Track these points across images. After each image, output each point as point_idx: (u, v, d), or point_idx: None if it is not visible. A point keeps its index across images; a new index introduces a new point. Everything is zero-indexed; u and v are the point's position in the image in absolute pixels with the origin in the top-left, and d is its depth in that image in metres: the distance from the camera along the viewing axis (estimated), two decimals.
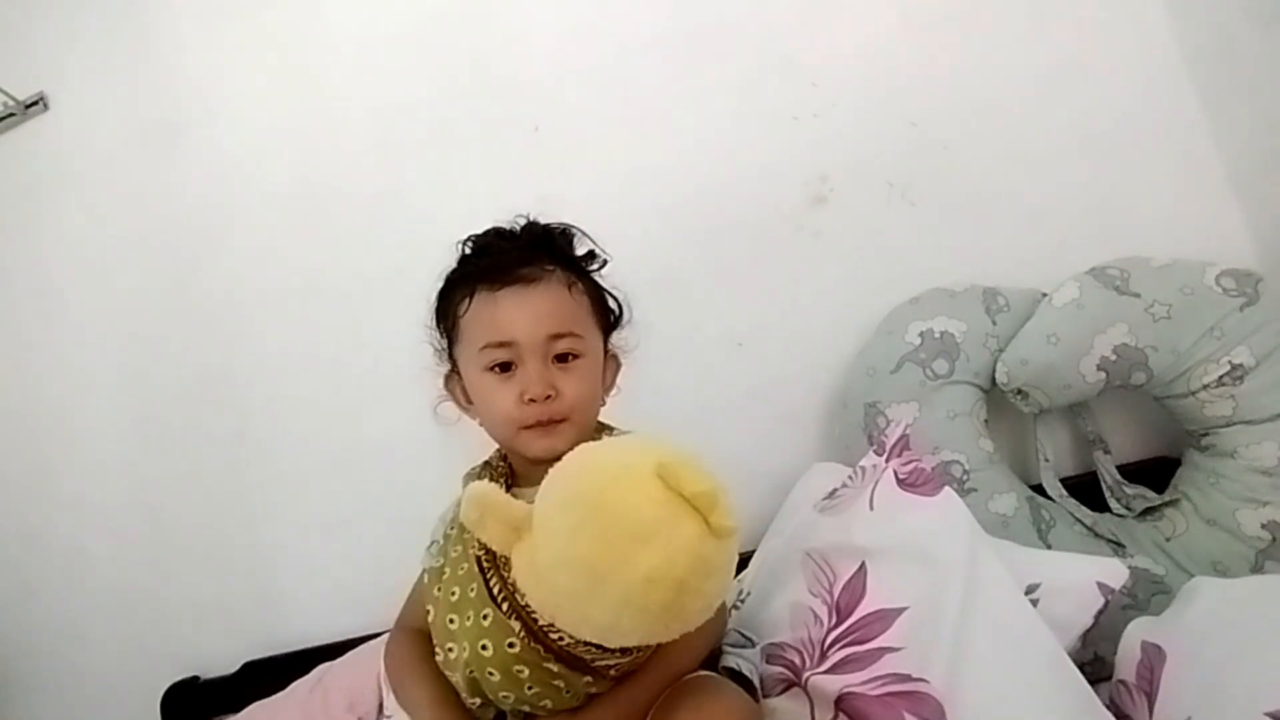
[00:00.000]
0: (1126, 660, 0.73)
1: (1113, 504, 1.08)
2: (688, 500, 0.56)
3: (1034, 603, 0.73)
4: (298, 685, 1.14)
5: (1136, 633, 0.74)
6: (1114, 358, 0.99)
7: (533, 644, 0.65)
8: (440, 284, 0.84)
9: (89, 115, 1.42)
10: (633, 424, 0.86)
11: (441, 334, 0.84)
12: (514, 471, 0.81)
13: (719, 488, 0.57)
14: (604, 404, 0.83)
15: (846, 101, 1.28)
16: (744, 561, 0.94)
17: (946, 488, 0.77)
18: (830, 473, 1.02)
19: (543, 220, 0.84)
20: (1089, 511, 1.05)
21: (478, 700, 0.70)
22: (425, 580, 0.78)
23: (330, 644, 1.26)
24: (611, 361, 0.85)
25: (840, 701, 0.67)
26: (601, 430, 0.84)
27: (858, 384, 1.11)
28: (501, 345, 0.74)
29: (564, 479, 0.62)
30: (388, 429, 1.32)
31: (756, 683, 0.71)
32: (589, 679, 0.67)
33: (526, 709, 0.69)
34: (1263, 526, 0.95)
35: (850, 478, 0.86)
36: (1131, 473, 1.11)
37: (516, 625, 0.65)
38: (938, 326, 1.08)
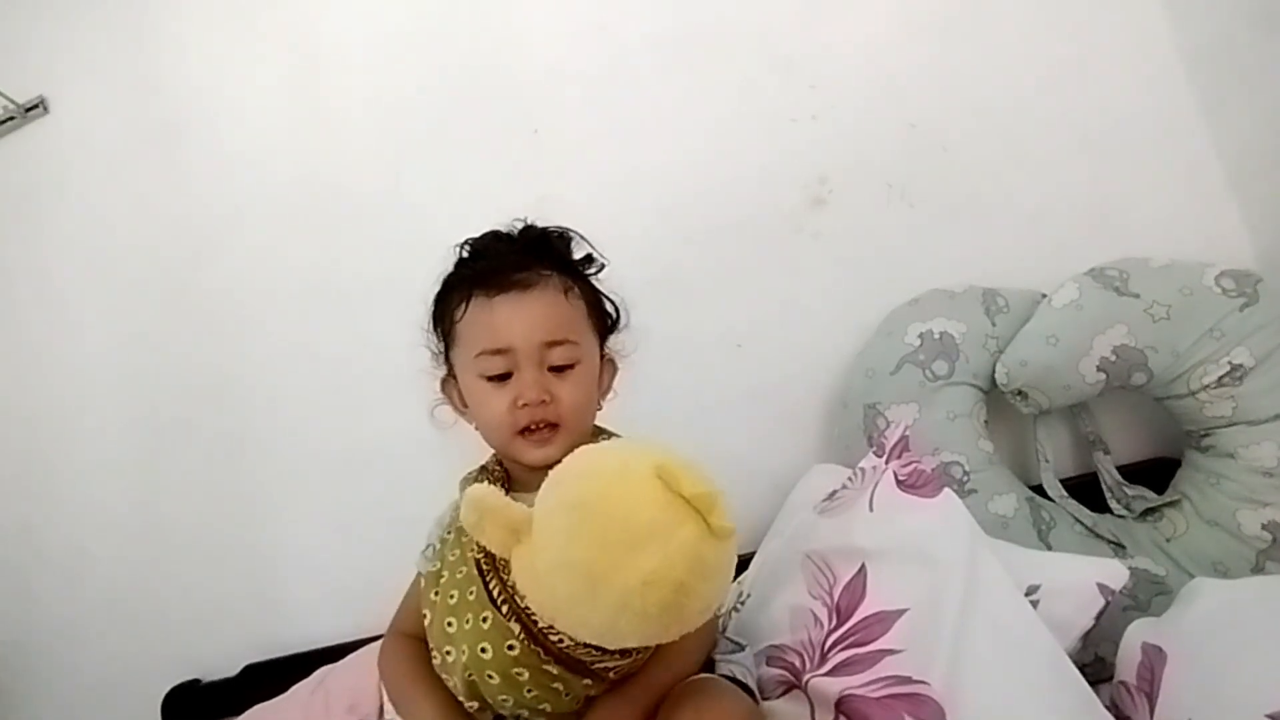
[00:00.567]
0: (1127, 661, 0.73)
1: (1113, 505, 1.08)
2: (687, 501, 0.56)
3: (1034, 604, 0.73)
4: (299, 687, 1.13)
5: (1137, 634, 0.74)
6: (1114, 358, 0.99)
7: (532, 646, 0.65)
8: (437, 287, 0.83)
9: (89, 118, 1.42)
10: (633, 425, 0.86)
11: (438, 337, 0.84)
12: (510, 476, 0.81)
13: (717, 489, 0.57)
14: (600, 408, 0.83)
15: (845, 103, 1.28)
16: (744, 563, 0.94)
17: (946, 489, 0.77)
18: (830, 474, 1.02)
19: (541, 223, 0.83)
20: (1089, 512, 1.05)
21: (476, 704, 0.70)
22: (421, 584, 0.78)
23: (331, 646, 1.26)
24: (608, 366, 0.85)
25: (840, 704, 0.67)
26: (598, 435, 0.84)
27: (857, 385, 1.11)
28: (497, 352, 0.74)
29: (563, 482, 0.62)
30: (388, 429, 1.32)
31: (754, 686, 0.71)
32: (588, 681, 0.67)
33: (525, 713, 0.69)
34: (1263, 527, 0.95)
35: (850, 479, 0.86)
36: (1131, 473, 1.11)
37: (516, 628, 0.65)
38: (937, 327, 1.08)
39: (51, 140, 1.43)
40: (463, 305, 0.77)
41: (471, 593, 0.68)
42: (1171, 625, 0.74)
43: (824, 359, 1.24)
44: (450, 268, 0.83)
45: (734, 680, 0.70)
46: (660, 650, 0.68)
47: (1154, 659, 0.70)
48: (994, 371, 1.07)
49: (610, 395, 0.85)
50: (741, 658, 0.73)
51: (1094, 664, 0.86)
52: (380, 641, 1.06)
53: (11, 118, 1.40)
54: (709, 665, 0.74)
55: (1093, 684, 0.70)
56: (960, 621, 0.65)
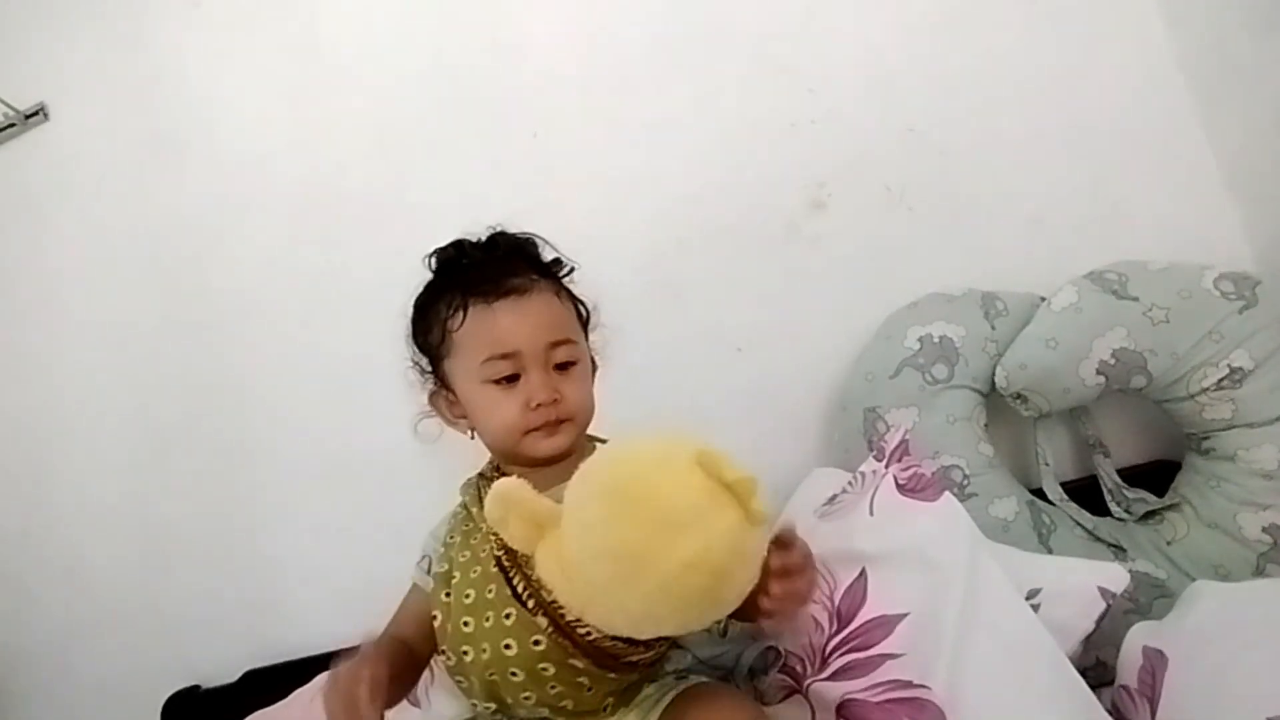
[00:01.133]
0: (1128, 665, 0.73)
1: (1113, 508, 1.08)
2: (727, 487, 0.57)
3: (1035, 608, 0.73)
4: (299, 694, 1.13)
5: (1138, 638, 0.74)
6: (1113, 361, 0.99)
7: (560, 640, 0.65)
8: (419, 298, 0.84)
9: (89, 125, 1.43)
10: (633, 430, 0.86)
11: (423, 350, 0.84)
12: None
13: (755, 476, 0.58)
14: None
15: (844, 107, 1.28)
16: None
17: (946, 493, 0.77)
18: (830, 478, 1.02)
19: (508, 230, 0.84)
20: (1090, 515, 1.05)
21: (493, 705, 0.70)
22: (425, 589, 0.78)
23: (332, 651, 1.24)
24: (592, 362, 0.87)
25: (842, 709, 0.67)
26: (590, 440, 0.84)
27: (857, 389, 1.11)
28: (504, 357, 0.74)
29: (596, 472, 0.62)
30: (387, 435, 1.30)
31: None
32: (614, 675, 0.67)
33: (546, 712, 0.69)
34: (1264, 530, 0.95)
35: (850, 483, 0.86)
36: (1131, 476, 1.11)
37: (544, 622, 0.65)
38: (936, 331, 1.08)
39: (52, 147, 1.43)
40: (459, 314, 0.77)
41: (491, 590, 0.68)
42: (1172, 629, 0.74)
43: (823, 363, 1.24)
44: (429, 279, 0.84)
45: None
46: None
47: (1155, 663, 0.70)
48: (993, 375, 1.07)
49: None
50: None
51: (1095, 668, 0.86)
52: None
53: (12, 124, 1.41)
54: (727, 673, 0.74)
55: (1094, 688, 0.70)
56: (961, 625, 0.65)
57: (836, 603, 0.72)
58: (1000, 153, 1.23)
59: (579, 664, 0.65)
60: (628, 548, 0.57)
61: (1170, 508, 1.02)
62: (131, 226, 1.41)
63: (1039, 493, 1.09)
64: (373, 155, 1.37)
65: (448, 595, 0.73)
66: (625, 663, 0.66)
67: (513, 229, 0.84)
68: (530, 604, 0.65)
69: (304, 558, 1.34)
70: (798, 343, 1.26)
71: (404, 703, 0.91)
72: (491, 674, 0.66)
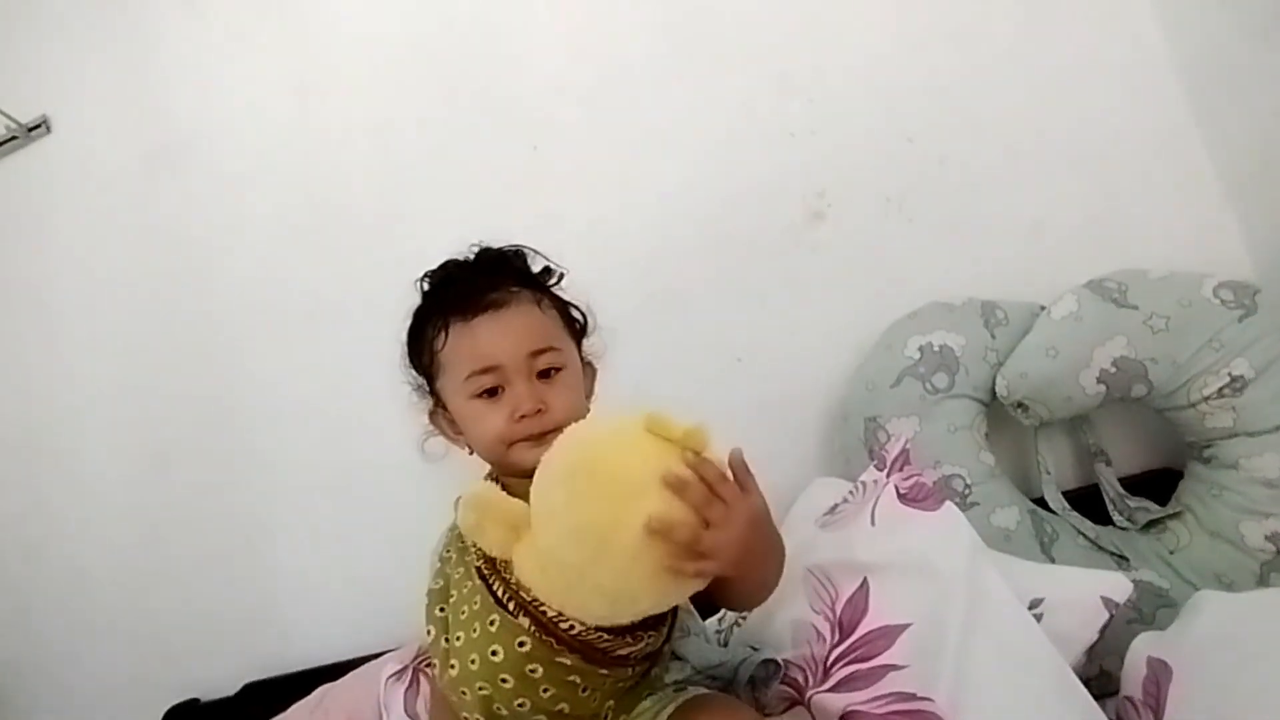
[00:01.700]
0: (1132, 676, 0.72)
1: (1115, 517, 1.07)
2: (678, 443, 0.59)
3: (1038, 618, 0.72)
4: (298, 707, 1.13)
5: (1142, 648, 0.73)
6: (1114, 370, 0.99)
7: (544, 637, 0.64)
8: (409, 323, 0.85)
9: (91, 138, 1.44)
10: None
11: (419, 372, 0.86)
12: (504, 488, 0.81)
13: (703, 426, 0.61)
14: (588, 411, 0.83)
15: (843, 118, 1.28)
16: None
17: (948, 502, 0.76)
18: (831, 488, 1.02)
19: (495, 245, 0.85)
20: (1092, 524, 1.05)
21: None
22: (428, 604, 0.77)
23: (331, 664, 1.25)
24: (588, 370, 0.87)
25: None
26: None
27: (857, 398, 1.11)
28: (486, 371, 0.75)
29: (554, 460, 0.63)
30: (385, 448, 1.31)
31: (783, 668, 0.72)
32: (605, 671, 0.66)
33: (543, 718, 0.68)
34: (1266, 539, 0.95)
35: (851, 493, 0.85)
36: (1133, 485, 1.10)
37: (526, 622, 0.65)
38: (937, 340, 1.08)
39: (54, 160, 1.44)
40: (441, 334, 0.79)
41: (476, 601, 0.68)
42: (1176, 639, 0.74)
43: (824, 372, 1.24)
44: (418, 303, 0.85)
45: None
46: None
47: (1159, 674, 0.70)
48: (994, 384, 1.07)
49: (594, 398, 0.86)
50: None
51: (1099, 678, 0.85)
52: (385, 656, 1.06)
53: (14, 137, 1.42)
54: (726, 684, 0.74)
55: (1098, 698, 0.69)
56: (963, 636, 0.65)
57: (838, 613, 0.72)
58: (999, 162, 1.23)
59: (567, 661, 0.65)
60: (593, 522, 0.58)
61: (1172, 516, 1.02)
62: (132, 239, 1.42)
63: (1040, 502, 1.09)
64: (373, 169, 1.37)
65: (442, 610, 0.73)
66: (615, 657, 0.66)
67: (504, 242, 0.85)
68: (511, 607, 0.66)
69: (304, 571, 1.34)
70: (798, 352, 1.26)
71: (405, 718, 0.91)
72: (482, 687, 0.66)
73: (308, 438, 1.35)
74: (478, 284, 0.78)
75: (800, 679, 0.70)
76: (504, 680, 0.65)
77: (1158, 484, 1.10)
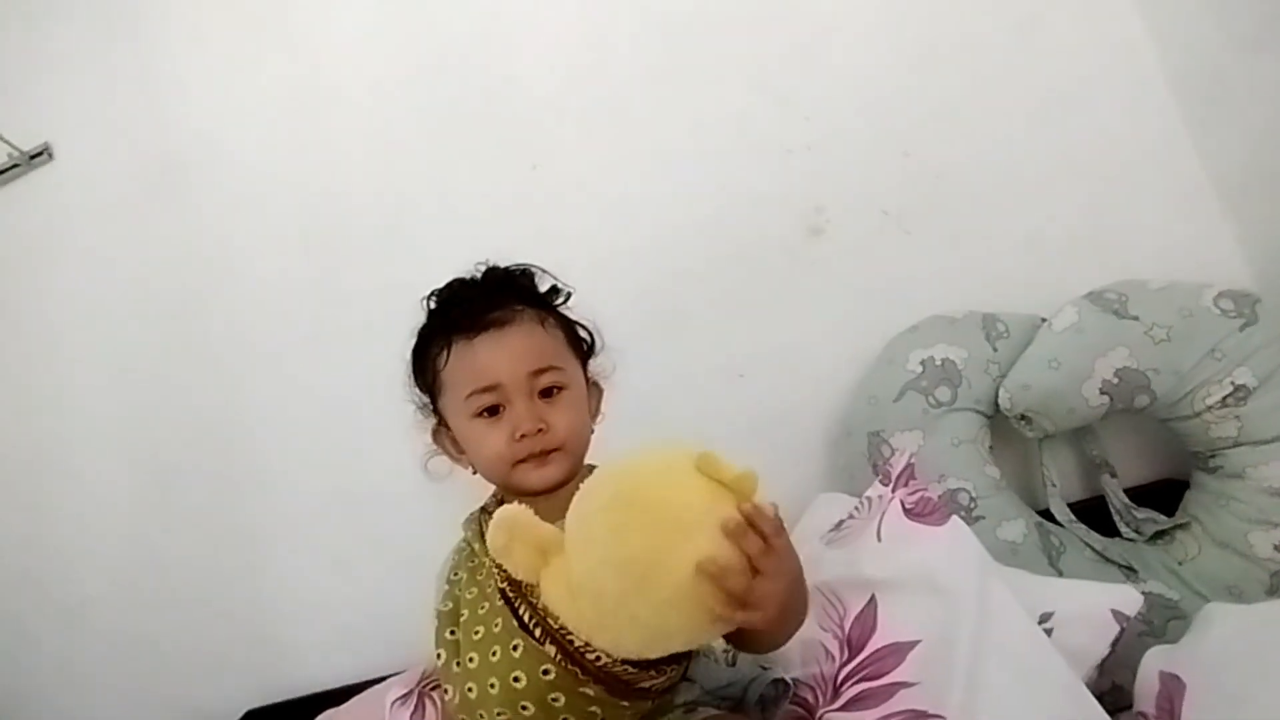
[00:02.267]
0: (1145, 691, 0.71)
1: (1122, 528, 1.07)
2: (728, 486, 0.58)
3: (1048, 632, 0.72)
4: None
5: (1153, 663, 0.73)
6: (1116, 381, 0.99)
7: (569, 666, 0.63)
8: (413, 341, 0.86)
9: (93, 165, 1.45)
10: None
11: (422, 390, 0.86)
12: None
13: (755, 472, 0.60)
14: (593, 432, 0.84)
15: (840, 133, 1.29)
16: None
17: (954, 516, 0.76)
18: (836, 504, 1.01)
19: (502, 264, 0.86)
20: (1099, 536, 1.04)
21: None
22: (437, 627, 0.76)
23: (334, 689, 1.24)
24: (594, 390, 0.87)
25: None
26: (592, 469, 0.84)
27: (860, 413, 1.11)
28: (486, 390, 0.76)
29: (598, 487, 0.63)
30: (388, 470, 1.31)
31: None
32: (627, 704, 0.66)
33: None
34: (1275, 548, 0.94)
35: (857, 508, 0.85)
36: (1139, 496, 1.10)
37: (552, 650, 0.64)
38: (938, 354, 1.08)
39: (56, 187, 1.45)
40: (444, 353, 0.79)
41: (498, 624, 0.67)
42: (1188, 653, 0.73)
43: (825, 388, 1.24)
44: (422, 322, 0.86)
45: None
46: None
47: (1172, 689, 0.69)
48: (997, 397, 1.06)
49: (600, 418, 0.87)
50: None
51: (1111, 692, 0.84)
52: (389, 681, 1.05)
53: (16, 165, 1.42)
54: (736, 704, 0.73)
55: (1111, 714, 0.69)
56: (974, 652, 0.64)
57: (847, 630, 0.71)
58: (996, 175, 1.24)
59: (590, 692, 0.64)
60: (637, 556, 0.57)
61: (1180, 527, 1.01)
62: (134, 264, 1.42)
63: (1046, 514, 1.08)
64: (374, 190, 1.38)
65: (453, 633, 0.72)
66: (638, 689, 0.65)
67: (510, 261, 0.85)
68: (538, 633, 0.65)
69: (306, 594, 1.33)
70: (799, 368, 1.26)
71: None
72: (501, 712, 0.65)
73: (310, 460, 1.35)
74: (481, 303, 0.79)
75: (810, 698, 0.69)
76: (524, 707, 0.64)
77: (1163, 495, 1.09)
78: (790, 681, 0.72)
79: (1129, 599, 0.76)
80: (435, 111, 1.37)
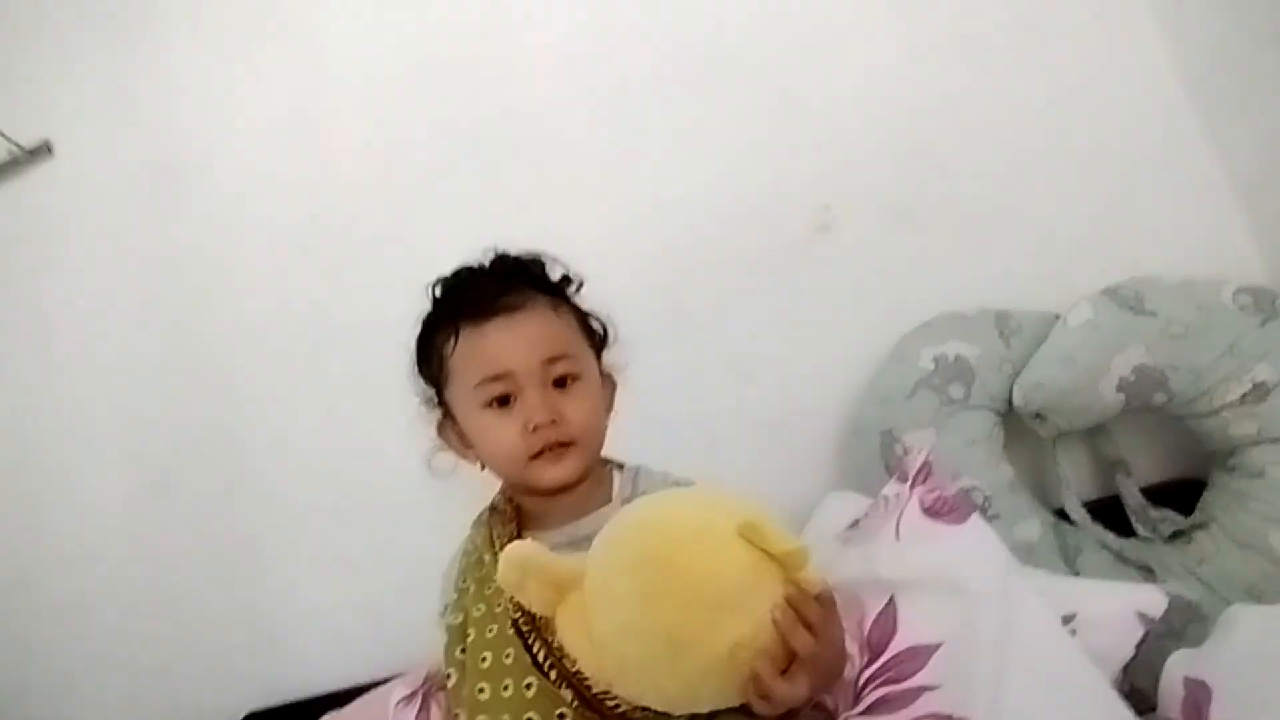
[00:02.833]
0: (1170, 697, 0.70)
1: (1138, 528, 1.05)
2: (775, 559, 0.53)
3: (1070, 634, 0.70)
4: None
5: (1178, 669, 0.71)
6: (1133, 378, 0.98)
7: (587, 714, 0.60)
8: (418, 329, 0.82)
9: (93, 161, 1.42)
10: (642, 458, 0.84)
11: (427, 381, 0.82)
12: (522, 513, 0.78)
13: (805, 546, 0.54)
14: (606, 426, 0.80)
15: (848, 131, 1.28)
16: None
17: (975, 515, 0.74)
18: (847, 502, 0.99)
19: (511, 251, 0.82)
20: (1115, 537, 1.02)
21: None
22: (447, 643, 0.74)
23: (334, 692, 1.21)
24: (608, 383, 0.83)
25: None
26: (607, 464, 0.82)
27: (872, 411, 1.10)
28: (497, 378, 0.72)
29: (625, 539, 0.57)
30: (391, 469, 1.28)
31: None
32: None
33: None
34: None
35: (873, 507, 0.83)
36: (1154, 495, 1.08)
37: (568, 695, 0.60)
38: (951, 350, 1.06)
39: (56, 183, 1.43)
40: (451, 340, 0.75)
41: (509, 656, 0.64)
42: (1213, 657, 0.71)
43: (835, 386, 1.22)
44: (428, 309, 0.82)
45: None
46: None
47: (1199, 695, 0.67)
48: (1010, 394, 1.05)
49: (613, 413, 0.83)
50: None
51: (1131, 696, 0.82)
52: (392, 683, 1.03)
53: (16, 160, 1.41)
54: None
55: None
56: (999, 655, 0.62)
57: (866, 632, 0.70)
58: (1007, 171, 1.23)
59: None
60: (667, 630, 0.52)
61: (1198, 527, 1.00)
62: (135, 262, 1.40)
63: (1060, 514, 1.07)
64: (376, 187, 1.36)
65: (463, 652, 0.68)
66: None
67: (518, 249, 0.82)
68: (553, 675, 0.61)
69: (306, 596, 1.31)
70: (808, 366, 1.24)
71: None
72: None
73: (311, 461, 1.33)
74: (492, 288, 0.75)
75: (830, 703, 0.68)
76: None
77: (1179, 494, 1.07)
78: None
79: (1154, 600, 0.74)
80: (439, 110, 1.35)
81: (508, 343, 0.72)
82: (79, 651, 1.33)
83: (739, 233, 1.28)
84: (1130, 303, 1.00)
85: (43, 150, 1.41)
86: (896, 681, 0.65)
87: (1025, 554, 0.96)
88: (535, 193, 1.33)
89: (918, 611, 0.69)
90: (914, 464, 0.79)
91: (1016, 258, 1.21)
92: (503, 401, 0.72)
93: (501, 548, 0.70)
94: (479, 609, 0.69)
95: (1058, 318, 1.07)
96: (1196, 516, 1.01)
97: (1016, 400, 1.04)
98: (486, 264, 0.80)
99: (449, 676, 0.69)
